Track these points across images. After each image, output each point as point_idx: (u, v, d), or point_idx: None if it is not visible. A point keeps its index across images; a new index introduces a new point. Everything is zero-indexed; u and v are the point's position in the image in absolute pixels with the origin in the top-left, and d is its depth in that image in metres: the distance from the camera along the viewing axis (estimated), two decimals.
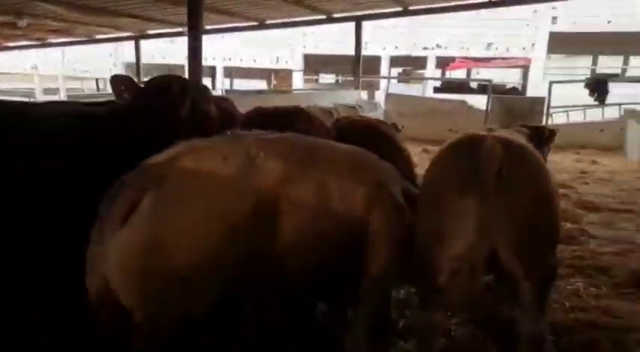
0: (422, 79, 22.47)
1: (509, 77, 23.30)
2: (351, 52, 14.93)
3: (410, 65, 23.58)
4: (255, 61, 25.40)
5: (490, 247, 2.16)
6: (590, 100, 12.35)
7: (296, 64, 24.50)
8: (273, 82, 27.52)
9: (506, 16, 18.52)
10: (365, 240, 2.29)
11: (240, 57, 25.39)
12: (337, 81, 28.73)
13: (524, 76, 22.51)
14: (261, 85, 27.98)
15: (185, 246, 1.96)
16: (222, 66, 25.73)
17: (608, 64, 24.54)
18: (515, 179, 2.18)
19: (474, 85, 21.49)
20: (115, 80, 2.91)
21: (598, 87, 12.04)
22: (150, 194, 1.96)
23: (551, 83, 12.18)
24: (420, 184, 2.74)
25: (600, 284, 4.18)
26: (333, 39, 22.23)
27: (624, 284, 4.19)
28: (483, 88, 20.35)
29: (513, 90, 21.17)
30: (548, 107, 12.07)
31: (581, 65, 22.45)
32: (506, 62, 19.82)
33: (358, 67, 15.26)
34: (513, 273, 2.21)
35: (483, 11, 17.12)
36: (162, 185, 1.98)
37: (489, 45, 19.85)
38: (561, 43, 19.49)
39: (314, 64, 25.31)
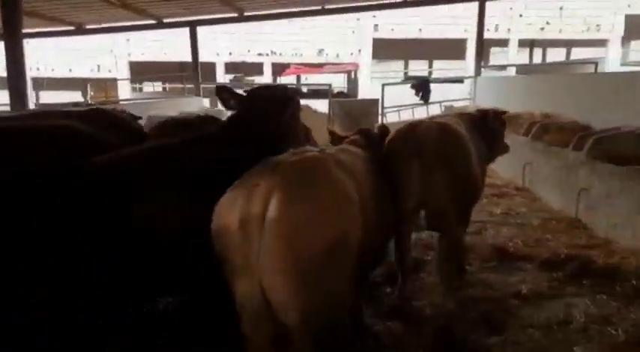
0: (247, 85, 22.59)
1: (335, 81, 24.52)
2: (178, 58, 14.31)
3: (246, 71, 23.58)
4: (70, 70, 22.90)
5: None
6: (416, 99, 13.68)
7: (121, 72, 22.68)
8: (90, 92, 24.50)
9: (335, 23, 19.64)
10: None
11: (52, 66, 22.69)
12: (164, 89, 27.24)
13: (349, 80, 24.14)
14: (74, 96, 25.04)
15: (343, 237, 2.15)
16: (29, 76, 22.61)
17: (417, 67, 27.74)
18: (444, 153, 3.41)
19: (304, 89, 22.51)
20: (220, 89, 3.09)
21: (422, 88, 13.40)
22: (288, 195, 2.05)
23: (383, 86, 13.18)
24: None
25: (469, 261, 4.55)
26: (161, 45, 21.20)
27: (487, 258, 4.63)
28: (315, 93, 21.45)
29: (340, 94, 22.42)
30: (383, 107, 13.06)
31: (396, 68, 24.95)
32: (337, 67, 21.00)
33: (197, 74, 14.73)
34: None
35: (315, 18, 17.93)
36: (297, 187, 2.12)
37: (321, 51, 20.82)
38: (381, 49, 21.32)
39: (139, 71, 23.65)
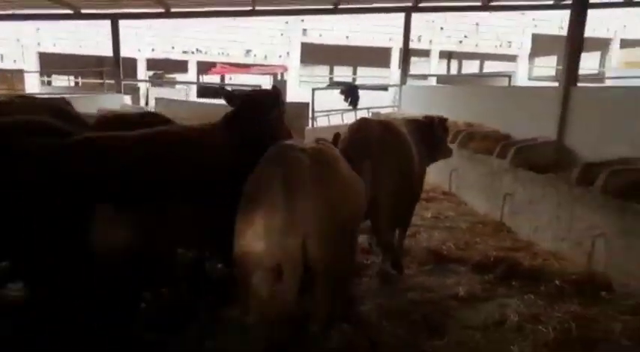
0: (175, 83, 21.81)
1: (260, 83, 24.24)
2: (95, 52, 13.52)
3: (169, 69, 22.77)
4: None
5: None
6: (345, 105, 13.94)
7: (28, 63, 20.94)
8: None
9: (264, 25, 19.48)
10: None
11: None
12: (77, 84, 25.56)
13: (275, 82, 24.06)
14: None
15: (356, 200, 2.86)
16: None
17: (341, 73, 28.26)
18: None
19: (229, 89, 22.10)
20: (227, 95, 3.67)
21: (351, 93, 13.66)
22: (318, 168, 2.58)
23: (314, 90, 13.26)
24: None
25: (407, 264, 4.67)
26: (76, 37, 19.89)
27: (424, 261, 4.78)
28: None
29: None
30: (313, 112, 13.14)
31: (321, 73, 25.24)
32: (266, 69, 20.85)
33: (119, 70, 13.99)
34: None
35: (243, 19, 17.69)
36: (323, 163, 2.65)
37: (248, 52, 20.56)
38: (308, 53, 21.47)
39: (49, 64, 21.97)
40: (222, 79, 24.31)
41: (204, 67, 20.95)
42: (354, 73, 27.52)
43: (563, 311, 3.69)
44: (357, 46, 21.37)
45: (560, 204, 4.98)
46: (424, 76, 20.08)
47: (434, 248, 5.07)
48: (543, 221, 5.20)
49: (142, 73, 20.41)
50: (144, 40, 19.92)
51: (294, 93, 19.75)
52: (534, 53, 22.56)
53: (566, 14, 20.63)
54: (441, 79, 19.92)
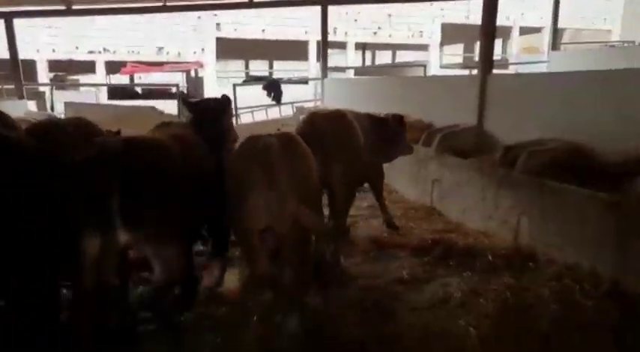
0: (80, 85, 20.57)
1: (174, 81, 23.31)
2: None
3: (75, 70, 21.38)
4: None
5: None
6: (268, 100, 13.88)
7: None
8: None
9: (174, 20, 18.85)
10: None
11: None
12: None
13: (188, 79, 23.46)
14: None
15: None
16: None
17: (256, 67, 28.10)
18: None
19: (138, 89, 21.24)
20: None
21: (274, 88, 13.62)
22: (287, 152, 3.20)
23: (235, 86, 13.07)
24: None
25: (351, 253, 4.83)
26: None
27: (368, 249, 4.96)
28: (149, 93, 20.33)
29: (181, 94, 21.48)
30: (236, 109, 12.96)
31: (235, 68, 24.96)
32: (180, 66, 20.21)
33: (19, 73, 12.93)
34: None
35: (153, 15, 17.02)
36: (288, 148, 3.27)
37: (160, 49, 19.80)
38: (222, 48, 21.10)
39: None
40: (132, 79, 23.27)
41: (114, 67, 19.90)
42: (271, 66, 27.47)
43: (498, 283, 3.99)
44: (273, 40, 21.32)
45: (485, 186, 5.35)
46: (342, 69, 20.45)
47: (374, 236, 5.28)
48: (471, 203, 5.55)
49: (44, 76, 19.01)
50: (43, 39, 18.55)
51: (212, 91, 19.39)
52: (443, 42, 23.73)
53: (471, 4, 21.74)
54: (358, 70, 20.40)
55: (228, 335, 3.38)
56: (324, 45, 14.47)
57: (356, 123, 4.47)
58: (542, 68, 17.48)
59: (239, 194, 3.18)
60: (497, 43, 24.99)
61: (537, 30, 24.81)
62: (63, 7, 12.43)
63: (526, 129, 5.64)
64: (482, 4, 6.26)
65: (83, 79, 22.40)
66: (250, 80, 21.10)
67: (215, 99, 4.26)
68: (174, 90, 20.90)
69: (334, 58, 24.48)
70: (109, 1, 12.85)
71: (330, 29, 20.45)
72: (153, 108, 13.44)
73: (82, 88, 19.58)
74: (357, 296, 3.87)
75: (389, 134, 4.94)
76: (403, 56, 28.23)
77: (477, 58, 26.90)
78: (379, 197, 5.43)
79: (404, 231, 5.47)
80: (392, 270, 4.43)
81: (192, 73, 23.19)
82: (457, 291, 3.89)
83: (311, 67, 21.38)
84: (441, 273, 4.36)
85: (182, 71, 21.29)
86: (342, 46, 22.31)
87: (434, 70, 21.34)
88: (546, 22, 23.65)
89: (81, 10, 12.98)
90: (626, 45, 19.81)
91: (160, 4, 12.85)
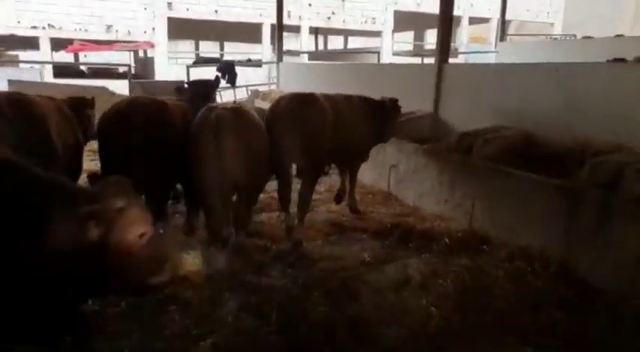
0: (21, 62, 19.39)
1: (121, 60, 22.37)
2: None
3: (16, 46, 20.15)
4: None
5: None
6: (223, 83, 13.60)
7: None
8: None
9: None
10: None
11: None
12: None
13: (136, 59, 22.66)
14: None
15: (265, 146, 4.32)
16: None
17: (207, 49, 27.44)
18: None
19: (83, 68, 20.33)
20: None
21: (228, 71, 13.38)
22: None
23: (188, 67, 12.75)
24: None
25: (313, 236, 4.92)
26: None
27: (329, 232, 5.07)
28: (94, 73, 19.44)
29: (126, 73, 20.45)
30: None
31: (184, 49, 24.29)
32: (130, 45, 19.44)
33: None
34: None
35: None
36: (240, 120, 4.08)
37: (109, 27, 18.96)
38: (175, 29, 20.47)
39: None
40: (77, 57, 22.14)
41: (60, 44, 18.90)
42: (222, 48, 26.88)
43: (455, 265, 4.19)
44: (226, 22, 20.85)
45: (441, 171, 5.56)
46: (296, 53, 20.34)
47: (335, 219, 5.40)
48: (427, 188, 5.76)
49: None
50: None
51: (164, 71, 18.79)
52: (395, 29, 24.01)
53: None
54: (312, 55, 20.36)
55: (195, 315, 3.41)
56: (280, 28, 14.35)
57: (329, 104, 4.72)
58: (490, 58, 18.15)
59: (196, 158, 3.97)
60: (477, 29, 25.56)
61: (485, 20, 25.53)
62: None
63: (480, 117, 5.89)
64: None
65: (24, 55, 21.16)
66: (201, 61, 20.60)
67: (207, 81, 5.52)
68: (121, 70, 20.23)
69: (288, 42, 24.29)
70: None
71: (284, 13, 20.30)
72: (104, 88, 12.95)
73: (23, 65, 18.46)
74: (322, 278, 3.97)
75: (385, 116, 5.34)
76: (354, 42, 28.39)
77: (427, 46, 27.60)
78: (353, 179, 5.65)
79: (363, 215, 5.62)
80: (354, 253, 4.56)
81: (141, 53, 22.35)
82: (417, 273, 4.06)
83: (265, 49, 21.11)
84: (401, 255, 4.53)
85: (131, 50, 20.48)
86: (295, 29, 22.13)
87: (386, 56, 21.60)
88: (493, 14, 24.43)
89: None
90: (568, 38, 20.84)
91: None
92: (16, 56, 21.35)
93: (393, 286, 3.91)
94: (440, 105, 6.54)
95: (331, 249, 4.68)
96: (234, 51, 24.69)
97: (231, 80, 13.54)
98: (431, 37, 29.34)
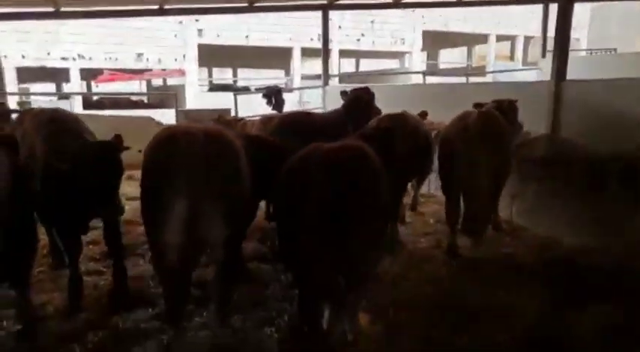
0: (50, 94, 19.06)
1: (129, 89, 21.87)
2: None
3: (47, 79, 19.90)
4: None
5: None
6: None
7: None
8: None
9: (154, 25, 17.89)
10: None
11: None
12: None
13: (149, 87, 22.41)
14: None
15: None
16: None
17: (223, 75, 27.20)
18: None
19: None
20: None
21: (275, 97, 12.96)
22: None
23: (235, 95, 12.37)
24: None
25: None
26: None
27: None
28: (114, 104, 18.99)
29: (140, 103, 20.04)
30: (236, 116, 12.26)
31: (224, 77, 24.04)
32: (161, 74, 19.18)
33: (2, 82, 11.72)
34: None
35: (131, 20, 16.04)
36: None
37: (140, 56, 18.70)
38: (207, 55, 20.26)
39: None
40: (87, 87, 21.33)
41: (89, 75, 18.64)
42: (235, 74, 26.61)
43: None
44: (256, 46, 20.64)
45: None
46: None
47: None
48: None
49: (13, 84, 17.48)
50: (9, 45, 17.07)
51: (198, 99, 18.42)
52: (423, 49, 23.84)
53: (450, 12, 21.88)
54: (343, 77, 20.05)
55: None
56: (325, 51, 14.06)
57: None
58: (518, 76, 18.13)
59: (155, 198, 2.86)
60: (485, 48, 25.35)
61: (511, 38, 25.41)
62: (51, 9, 11.37)
63: (604, 135, 5.44)
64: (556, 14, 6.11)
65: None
66: (215, 89, 20.37)
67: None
68: (134, 98, 19.81)
69: (313, 66, 24.14)
70: (100, 3, 11.87)
71: (314, 36, 20.10)
72: (150, 118, 12.60)
73: (76, 98, 18.02)
74: None
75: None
76: (377, 64, 28.18)
77: (441, 66, 27.34)
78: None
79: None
80: None
81: (154, 81, 21.89)
82: None
83: (295, 74, 20.86)
84: None
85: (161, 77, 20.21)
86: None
87: (414, 77, 21.32)
88: (520, 31, 24.29)
89: (71, 13, 11.94)
90: (598, 53, 20.60)
91: (156, 7, 12.02)
92: (27, 89, 20.85)
93: None
94: (558, 124, 6.08)
95: None
96: (259, 77, 24.44)
97: (278, 106, 13.12)
98: (445, 56, 29.23)
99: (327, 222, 2.67)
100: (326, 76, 13.87)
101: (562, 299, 3.81)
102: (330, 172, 2.73)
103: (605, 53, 20.06)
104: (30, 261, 3.23)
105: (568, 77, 6.43)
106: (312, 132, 4.65)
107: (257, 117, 12.90)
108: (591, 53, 21.64)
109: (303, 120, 5.45)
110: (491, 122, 4.75)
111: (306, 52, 21.30)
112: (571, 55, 19.96)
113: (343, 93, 5.59)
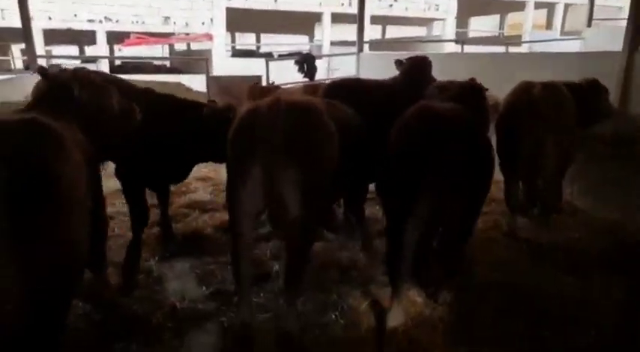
0: (79, 58, 18.88)
1: (150, 53, 21.49)
2: None
3: (72, 41, 19.70)
4: None
5: None
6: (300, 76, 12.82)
7: None
8: None
9: None
10: None
11: None
12: None
13: (175, 53, 22.05)
14: None
15: None
16: None
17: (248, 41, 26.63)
18: None
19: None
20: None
21: (308, 64, 12.56)
22: None
23: (267, 61, 11.99)
24: None
25: None
26: None
27: None
28: (134, 68, 18.68)
29: (162, 67, 19.70)
30: (274, 83, 11.91)
31: (249, 42, 23.54)
32: (188, 38, 18.81)
33: (32, 43, 11.48)
34: None
35: None
36: None
37: (167, 19, 18.32)
38: (232, 20, 19.76)
39: None
40: (112, 50, 21.14)
41: (117, 38, 18.37)
42: (258, 40, 26.04)
43: None
44: (282, 11, 20.04)
45: None
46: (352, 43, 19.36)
47: None
48: None
49: (40, 46, 17.31)
50: (37, 6, 16.82)
51: (225, 65, 18.06)
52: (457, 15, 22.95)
53: None
54: (373, 45, 19.41)
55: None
56: (361, 17, 13.47)
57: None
58: (555, 47, 17.17)
59: (236, 170, 2.82)
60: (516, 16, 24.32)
61: (551, 5, 24.28)
62: None
63: None
64: None
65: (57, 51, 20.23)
66: (238, 54, 19.91)
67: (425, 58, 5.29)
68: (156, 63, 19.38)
69: (345, 32, 23.46)
70: None
71: (345, 1, 19.45)
72: (180, 84, 12.33)
73: (102, 61, 17.84)
74: None
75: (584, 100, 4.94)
76: (400, 32, 27.25)
77: (470, 34, 26.28)
78: None
79: None
80: None
81: (177, 46, 21.43)
82: None
83: (325, 40, 20.27)
84: None
85: (189, 42, 19.82)
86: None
87: (447, 45, 20.56)
88: None
89: None
90: None
91: None
92: (50, 51, 20.78)
93: None
94: (628, 99, 5.63)
95: None
96: (270, 43, 23.81)
97: (311, 74, 12.73)
98: (475, 24, 28.12)
99: (458, 177, 2.80)
100: (361, 42, 13.32)
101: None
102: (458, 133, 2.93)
103: None
104: (105, 238, 3.19)
105: (612, 48, 5.99)
106: (370, 102, 4.36)
107: (289, 85, 12.62)
108: None
109: (357, 89, 5.09)
110: (560, 96, 4.41)
111: (333, 18, 20.64)
112: (613, 24, 18.99)
113: (398, 62, 5.23)
